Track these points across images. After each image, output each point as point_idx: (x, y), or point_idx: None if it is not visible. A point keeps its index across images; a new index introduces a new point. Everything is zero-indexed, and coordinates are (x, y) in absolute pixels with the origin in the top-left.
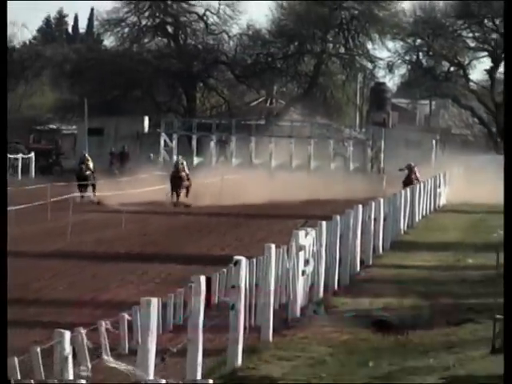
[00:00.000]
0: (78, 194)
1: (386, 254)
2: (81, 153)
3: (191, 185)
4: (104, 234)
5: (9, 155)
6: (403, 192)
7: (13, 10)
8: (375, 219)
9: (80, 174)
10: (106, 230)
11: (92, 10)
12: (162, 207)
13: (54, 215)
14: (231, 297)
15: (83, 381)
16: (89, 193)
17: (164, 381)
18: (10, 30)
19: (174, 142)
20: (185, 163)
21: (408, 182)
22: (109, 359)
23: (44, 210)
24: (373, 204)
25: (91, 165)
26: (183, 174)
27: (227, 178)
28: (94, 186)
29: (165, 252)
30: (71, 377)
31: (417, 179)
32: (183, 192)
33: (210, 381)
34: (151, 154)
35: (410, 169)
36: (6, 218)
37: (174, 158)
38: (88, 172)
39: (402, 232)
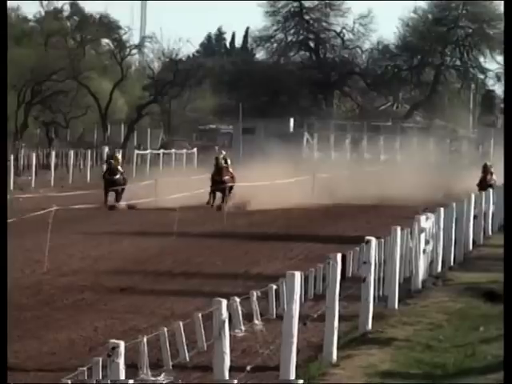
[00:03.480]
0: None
1: (494, 235)
2: (111, 152)
3: (235, 182)
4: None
5: (174, 151)
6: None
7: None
8: (486, 206)
9: (108, 177)
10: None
11: (247, 28)
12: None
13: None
14: (363, 271)
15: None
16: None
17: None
18: (175, 45)
19: (315, 140)
20: (229, 161)
21: (483, 184)
22: (259, 322)
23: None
24: (484, 193)
25: (120, 166)
26: (226, 177)
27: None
28: (122, 190)
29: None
30: (227, 338)
31: (493, 180)
32: (223, 194)
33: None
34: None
35: (486, 169)
36: (6, 217)
37: (316, 153)
38: (118, 175)
39: None
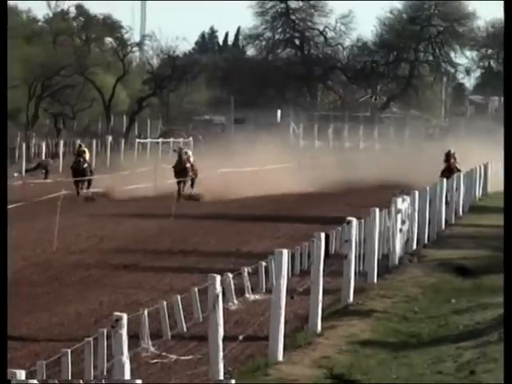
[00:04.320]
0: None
1: (465, 215)
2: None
3: (197, 175)
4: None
5: (173, 139)
6: (478, 167)
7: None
8: (457, 188)
9: (77, 167)
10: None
11: (238, 27)
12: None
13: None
14: (344, 249)
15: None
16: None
17: (234, 381)
18: (173, 43)
19: (301, 130)
20: (190, 153)
21: (448, 171)
22: (250, 296)
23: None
24: (455, 176)
25: (87, 157)
26: (188, 165)
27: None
28: (90, 181)
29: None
30: (221, 310)
31: (456, 168)
32: (188, 184)
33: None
34: None
35: (449, 156)
36: (6, 217)
37: (301, 142)
38: (85, 165)
39: (477, 199)
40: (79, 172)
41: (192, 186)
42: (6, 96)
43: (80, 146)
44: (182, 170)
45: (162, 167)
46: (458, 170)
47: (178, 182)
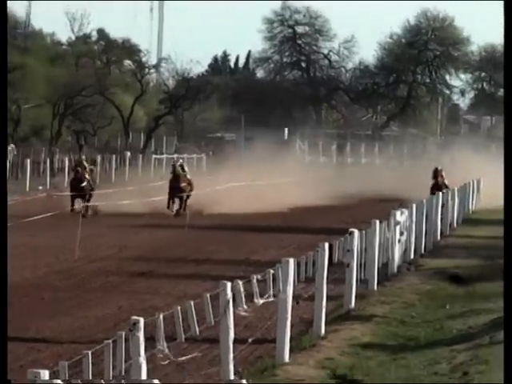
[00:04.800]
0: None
1: (459, 227)
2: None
3: (192, 190)
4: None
5: (187, 155)
6: (471, 182)
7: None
8: (451, 202)
9: (75, 184)
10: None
11: (249, 51)
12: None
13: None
14: (347, 258)
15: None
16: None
17: (245, 381)
18: (188, 66)
19: (306, 146)
20: (186, 169)
21: (436, 187)
22: (258, 301)
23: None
24: (449, 191)
25: (87, 172)
26: (183, 184)
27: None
28: (90, 196)
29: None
30: (231, 315)
31: (444, 184)
32: (180, 201)
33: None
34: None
35: (437, 173)
36: (6, 217)
37: (307, 157)
38: (85, 183)
39: (471, 212)
40: (78, 188)
41: (186, 201)
42: (6, 97)
43: (79, 159)
44: (176, 188)
45: None
46: (446, 187)
47: (171, 198)
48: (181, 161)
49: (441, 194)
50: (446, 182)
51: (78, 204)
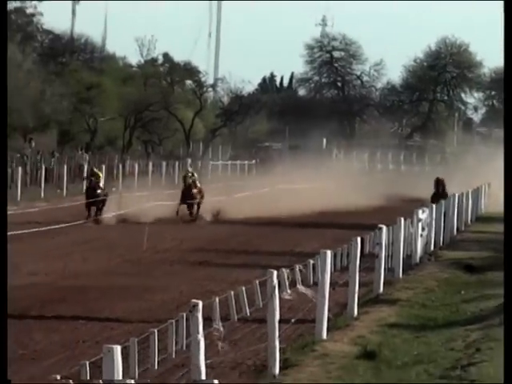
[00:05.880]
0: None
1: (472, 224)
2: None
3: (203, 198)
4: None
5: (239, 161)
6: (483, 185)
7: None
8: (466, 202)
9: (90, 193)
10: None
11: (292, 73)
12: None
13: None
14: (376, 250)
15: (216, 381)
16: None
17: (216, 381)
18: (240, 85)
19: (342, 154)
20: (196, 176)
21: (437, 197)
22: (301, 287)
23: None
24: (464, 192)
25: (101, 180)
26: (194, 190)
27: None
28: (103, 205)
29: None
30: (277, 299)
31: (444, 193)
32: (191, 208)
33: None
34: None
35: (438, 182)
36: (6, 217)
37: (342, 164)
38: (99, 191)
39: (482, 211)
40: (92, 195)
41: (198, 209)
42: (6, 97)
43: (92, 169)
44: (187, 195)
45: (231, 184)
46: (446, 196)
47: (182, 205)
48: (192, 171)
49: (457, 195)
50: (447, 190)
51: (93, 211)
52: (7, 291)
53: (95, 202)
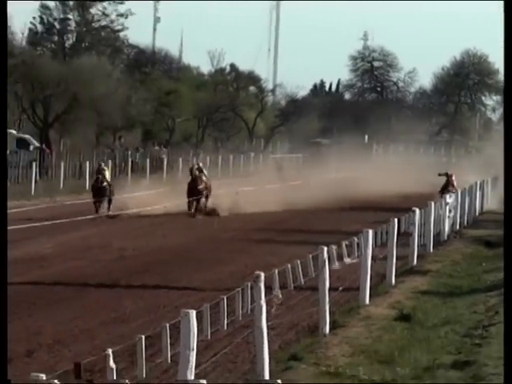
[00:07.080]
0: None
1: (491, 206)
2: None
3: (211, 192)
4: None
5: (295, 154)
6: (502, 175)
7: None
8: (486, 188)
9: (95, 185)
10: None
11: (339, 79)
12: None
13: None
14: (411, 229)
15: (203, 381)
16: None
17: (204, 381)
18: (295, 90)
19: (381, 149)
20: (204, 171)
21: (443, 189)
22: (347, 260)
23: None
24: (484, 180)
25: (108, 175)
26: (202, 185)
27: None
28: (110, 201)
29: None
30: (327, 270)
31: (453, 187)
32: (202, 202)
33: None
34: None
35: (447, 177)
36: (6, 217)
37: (381, 157)
38: (105, 183)
39: (501, 196)
40: (99, 191)
41: (206, 202)
42: (6, 97)
43: (100, 165)
44: (194, 189)
45: (289, 173)
46: (455, 189)
47: (191, 200)
48: (198, 163)
49: (478, 182)
50: (455, 183)
51: (103, 207)
52: (7, 291)
53: (102, 198)
